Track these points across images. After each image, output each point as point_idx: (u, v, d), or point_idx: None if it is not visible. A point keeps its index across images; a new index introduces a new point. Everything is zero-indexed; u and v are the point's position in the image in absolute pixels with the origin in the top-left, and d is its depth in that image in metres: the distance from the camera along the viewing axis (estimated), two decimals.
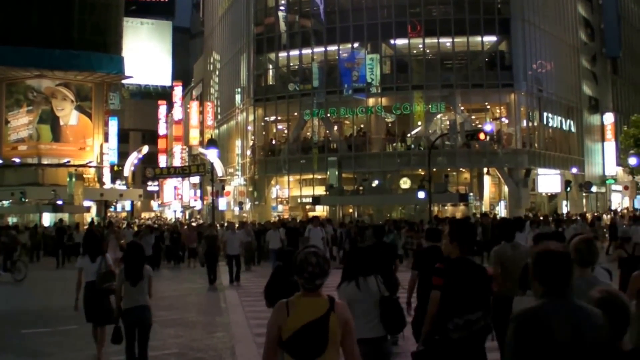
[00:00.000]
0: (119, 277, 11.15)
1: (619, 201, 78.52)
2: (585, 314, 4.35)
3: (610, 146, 78.96)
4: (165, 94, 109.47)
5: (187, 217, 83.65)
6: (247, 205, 67.93)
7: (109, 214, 73.12)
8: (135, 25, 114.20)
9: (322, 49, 65.35)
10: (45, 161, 73.61)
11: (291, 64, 68.26)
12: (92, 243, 13.53)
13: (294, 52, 67.14)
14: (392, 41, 63.40)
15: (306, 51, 66.11)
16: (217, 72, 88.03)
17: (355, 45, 64.14)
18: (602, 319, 4.36)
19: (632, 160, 69.53)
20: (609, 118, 79.68)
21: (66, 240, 37.83)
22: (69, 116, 75.04)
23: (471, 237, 7.99)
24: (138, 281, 10.80)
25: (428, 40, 62.97)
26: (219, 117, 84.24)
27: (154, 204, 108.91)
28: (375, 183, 61.75)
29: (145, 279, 10.91)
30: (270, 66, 70.03)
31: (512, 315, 4.51)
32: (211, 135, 75.30)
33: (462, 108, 62.59)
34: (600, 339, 4.30)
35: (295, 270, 5.42)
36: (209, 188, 61.64)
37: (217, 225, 43.14)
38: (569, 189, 61.63)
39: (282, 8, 68.58)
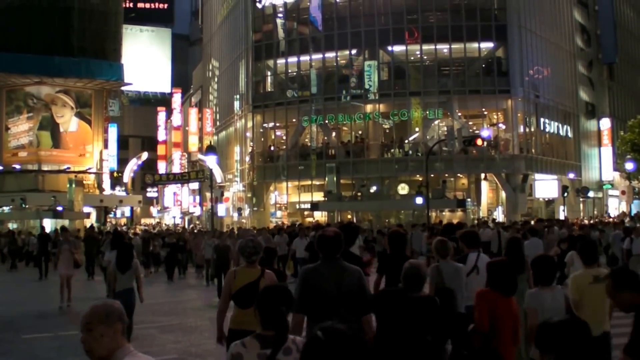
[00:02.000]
0: (112, 267, 14.36)
1: (616, 206, 78.92)
2: (346, 271, 6.88)
3: (607, 151, 79.34)
4: (164, 100, 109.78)
5: (186, 223, 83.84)
6: (246, 211, 68.23)
7: (108, 220, 73.43)
8: (135, 32, 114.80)
9: (320, 55, 65.72)
10: (45, 167, 73.90)
11: (289, 71, 68.71)
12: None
13: (292, 59, 67.54)
14: (389, 48, 63.79)
15: (304, 58, 66.52)
16: (215, 79, 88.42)
17: (353, 51, 64.57)
18: (358, 275, 6.93)
19: (629, 165, 69.84)
20: (605, 123, 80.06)
21: (51, 248, 33.38)
22: (69, 123, 75.38)
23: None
24: (126, 270, 14.04)
25: (425, 47, 63.27)
26: (218, 123, 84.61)
27: (154, 210, 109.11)
28: (373, 189, 62.10)
29: (132, 269, 14.15)
30: (269, 73, 70.42)
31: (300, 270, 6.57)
32: (210, 142, 75.45)
33: (459, 114, 62.92)
34: (353, 287, 6.78)
35: (239, 251, 8.89)
36: (208, 194, 61.84)
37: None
38: (566, 194, 61.99)
39: (280, 15, 68.92)
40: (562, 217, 58.39)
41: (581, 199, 70.31)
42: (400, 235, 10.96)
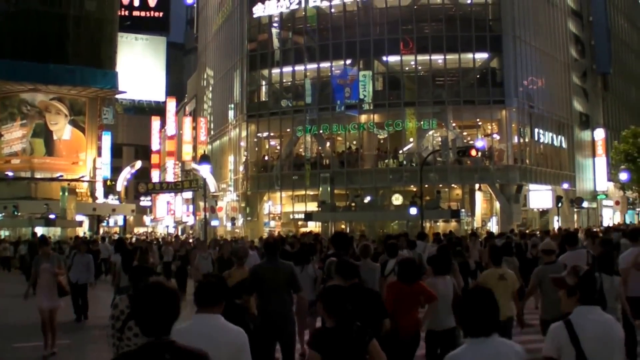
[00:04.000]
0: (118, 267, 16.79)
1: (610, 216, 78.95)
2: (280, 266, 11.48)
3: (601, 162, 79.36)
4: (158, 109, 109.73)
5: (179, 232, 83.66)
6: (240, 221, 68.10)
7: (101, 229, 73.27)
8: (130, 40, 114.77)
9: (314, 65, 65.71)
10: (38, 175, 73.87)
11: (284, 81, 68.64)
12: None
13: (287, 69, 67.51)
14: (384, 58, 63.77)
15: (299, 68, 66.51)
16: (210, 88, 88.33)
17: (348, 61, 64.51)
18: (290, 269, 11.33)
19: (623, 176, 70.10)
20: (599, 134, 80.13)
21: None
22: (63, 130, 75.40)
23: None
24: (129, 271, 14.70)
25: (420, 57, 63.30)
26: (212, 132, 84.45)
27: (147, 219, 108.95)
28: (367, 199, 62.09)
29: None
30: (263, 82, 70.41)
31: None
32: (204, 151, 75.51)
33: (453, 124, 62.90)
34: (286, 276, 11.17)
35: (232, 254, 12.78)
36: (201, 203, 61.83)
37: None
38: (560, 204, 61.99)
39: (275, 25, 68.95)
40: (556, 227, 58.46)
41: (575, 210, 70.30)
42: (342, 236, 14.54)
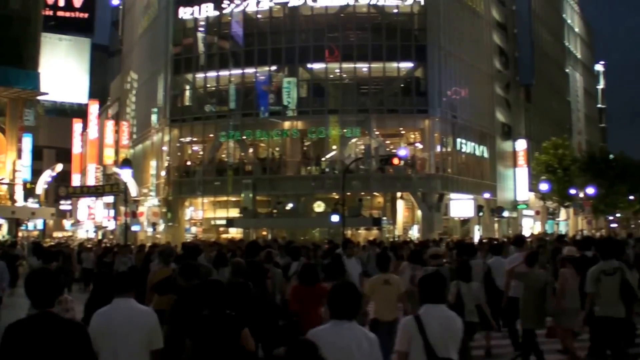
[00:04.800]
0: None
1: (530, 226, 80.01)
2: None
3: (522, 172, 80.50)
4: (80, 111, 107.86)
5: (100, 237, 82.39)
6: (161, 227, 67.26)
7: (19, 233, 71.72)
8: (54, 41, 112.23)
9: (239, 71, 65.34)
10: None
11: (208, 85, 68.13)
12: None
13: (212, 74, 66.95)
14: (309, 65, 63.69)
15: (223, 73, 65.99)
16: (134, 92, 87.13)
17: (273, 68, 64.24)
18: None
19: (544, 186, 71.12)
20: (521, 144, 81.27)
21: None
22: None
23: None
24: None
25: (345, 65, 63.39)
26: (135, 136, 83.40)
27: (67, 223, 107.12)
28: (289, 206, 61.89)
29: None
30: (187, 87, 69.66)
31: None
32: (126, 155, 74.46)
33: (377, 133, 63.06)
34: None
35: (159, 254, 14.24)
36: (122, 208, 60.92)
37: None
38: (481, 213, 62.74)
39: (201, 29, 68.28)
40: (477, 236, 59.04)
41: (496, 219, 71.09)
42: (255, 244, 16.50)
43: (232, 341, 7.54)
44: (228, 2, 65.52)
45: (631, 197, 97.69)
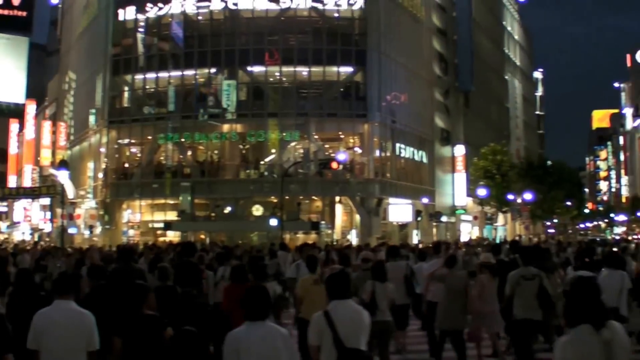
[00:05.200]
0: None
1: (468, 231, 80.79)
2: None
3: (460, 177, 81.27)
4: (17, 111, 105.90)
5: (36, 239, 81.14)
6: (98, 229, 66.40)
7: None
8: None
9: (179, 72, 64.76)
10: None
11: (147, 87, 67.46)
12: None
13: (151, 75, 66.30)
14: (249, 68, 63.44)
15: (163, 74, 65.42)
16: (72, 92, 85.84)
17: (213, 70, 63.90)
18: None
19: (482, 192, 71.93)
20: (459, 150, 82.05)
21: None
22: None
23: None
24: None
25: (285, 69, 63.28)
26: (72, 137, 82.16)
27: (2, 225, 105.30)
28: (227, 209, 61.60)
29: None
30: (126, 88, 68.84)
31: None
32: (63, 156, 73.43)
33: (316, 137, 63.05)
34: None
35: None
36: (59, 210, 60.10)
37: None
38: (419, 218, 63.10)
39: (141, 30, 67.59)
40: (415, 241, 59.45)
41: (434, 224, 71.60)
42: (191, 245, 16.82)
43: (156, 340, 8.13)
44: (169, 3, 64.92)
45: (568, 203, 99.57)
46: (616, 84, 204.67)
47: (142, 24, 67.35)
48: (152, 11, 65.94)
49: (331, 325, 7.62)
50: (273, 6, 63.26)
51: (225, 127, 62.72)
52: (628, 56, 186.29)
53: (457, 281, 13.62)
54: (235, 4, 63.38)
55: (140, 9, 66.24)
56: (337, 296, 7.94)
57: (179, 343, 8.57)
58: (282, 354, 6.71)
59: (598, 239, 61.62)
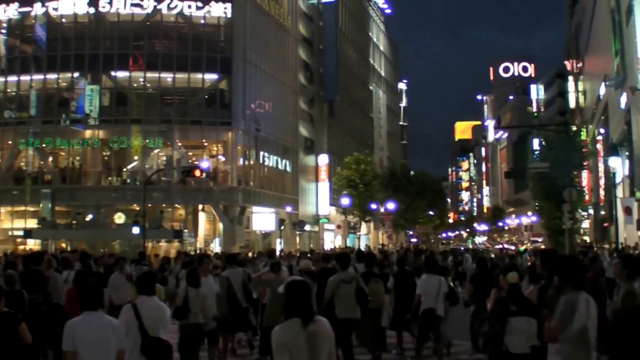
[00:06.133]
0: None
1: (332, 240, 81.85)
2: None
3: (324, 186, 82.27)
4: None
5: None
6: None
7: None
8: None
9: (41, 76, 63.36)
10: None
11: (8, 90, 65.55)
12: None
13: (12, 78, 64.46)
14: (112, 73, 62.70)
15: (25, 78, 63.76)
16: None
17: (76, 74, 62.76)
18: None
19: (345, 201, 72.97)
20: (323, 159, 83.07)
21: None
22: None
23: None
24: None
25: (149, 75, 62.81)
26: None
27: None
28: (89, 217, 60.76)
29: None
30: None
31: None
32: None
33: (179, 144, 62.92)
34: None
35: None
36: None
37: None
38: (282, 227, 63.57)
39: (2, 31, 65.89)
40: (278, 250, 59.89)
41: (297, 232, 72.26)
42: (38, 255, 17.53)
43: (10, 334, 9.43)
44: (33, 5, 63.53)
45: (430, 213, 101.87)
46: (479, 97, 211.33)
47: (4, 25, 65.69)
48: (14, 12, 64.20)
49: (138, 316, 9.25)
50: (139, 11, 62.68)
51: (88, 133, 61.81)
52: (491, 69, 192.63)
53: (280, 284, 14.54)
54: (104, 7, 62.41)
55: (2, 10, 64.54)
56: (144, 292, 9.62)
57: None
58: (110, 339, 7.97)
59: (462, 248, 63.90)
